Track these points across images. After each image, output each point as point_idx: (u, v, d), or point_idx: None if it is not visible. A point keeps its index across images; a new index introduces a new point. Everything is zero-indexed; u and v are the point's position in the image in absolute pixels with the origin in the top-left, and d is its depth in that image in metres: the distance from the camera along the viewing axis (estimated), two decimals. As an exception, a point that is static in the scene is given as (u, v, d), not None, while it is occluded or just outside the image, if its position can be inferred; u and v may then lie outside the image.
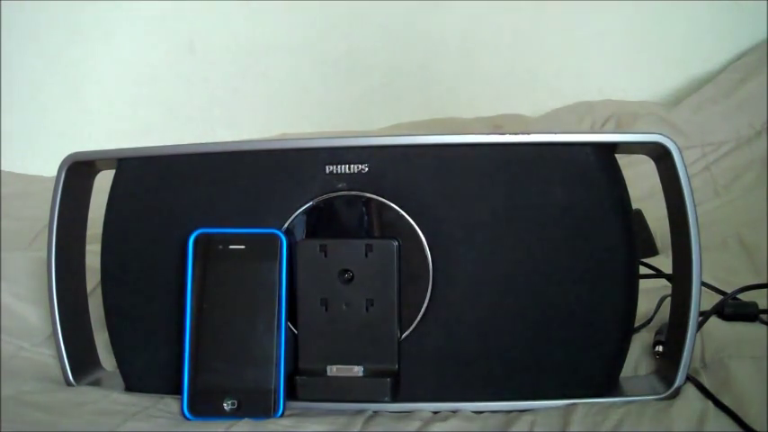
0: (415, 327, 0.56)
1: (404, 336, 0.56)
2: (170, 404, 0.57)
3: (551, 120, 1.11)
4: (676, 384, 0.54)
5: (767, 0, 1.13)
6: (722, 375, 0.55)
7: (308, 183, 0.57)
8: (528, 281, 0.55)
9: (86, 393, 0.59)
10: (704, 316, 0.63)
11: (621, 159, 0.57)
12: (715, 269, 0.74)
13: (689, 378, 0.55)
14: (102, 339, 0.63)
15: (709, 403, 0.52)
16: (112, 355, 0.61)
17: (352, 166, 0.57)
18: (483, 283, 0.55)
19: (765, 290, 0.70)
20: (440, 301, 0.56)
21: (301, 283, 0.56)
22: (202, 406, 0.55)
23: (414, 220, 0.56)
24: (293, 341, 0.57)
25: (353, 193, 0.56)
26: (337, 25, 1.20)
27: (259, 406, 0.55)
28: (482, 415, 0.55)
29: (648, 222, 0.88)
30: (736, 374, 0.55)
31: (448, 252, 0.56)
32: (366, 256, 0.56)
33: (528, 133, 0.56)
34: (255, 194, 0.58)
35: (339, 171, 0.57)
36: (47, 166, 0.77)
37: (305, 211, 0.57)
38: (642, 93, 1.18)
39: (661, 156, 0.56)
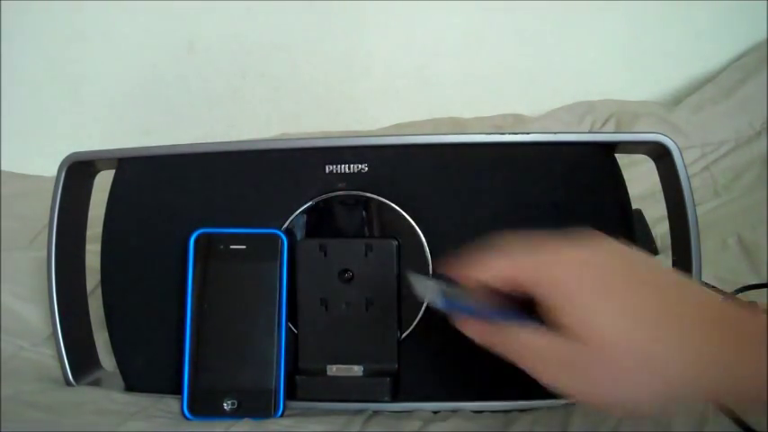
0: (415, 326, 0.56)
1: (404, 335, 0.56)
2: (170, 404, 0.57)
3: (551, 119, 1.10)
4: (676, 384, 0.54)
5: (767, 0, 1.13)
6: (722, 375, 0.55)
7: (308, 182, 0.57)
8: (528, 281, 0.55)
9: (86, 393, 0.59)
10: (704, 316, 0.63)
11: (622, 159, 0.57)
12: (715, 269, 0.74)
13: (689, 378, 0.55)
14: (102, 339, 0.63)
15: (709, 403, 0.52)
16: (112, 355, 0.61)
17: (351, 165, 0.57)
18: (483, 283, 0.55)
19: (765, 290, 0.70)
20: (440, 301, 0.56)
21: (301, 282, 0.56)
22: (202, 406, 0.55)
23: (414, 220, 0.56)
24: (293, 341, 0.57)
25: (353, 192, 0.56)
26: (337, 25, 1.20)
27: (259, 406, 0.55)
28: (482, 414, 0.55)
29: (648, 222, 0.88)
30: (737, 374, 0.55)
31: (448, 252, 0.56)
32: (366, 255, 0.56)
33: (528, 133, 0.56)
34: (255, 194, 0.58)
35: (339, 171, 0.57)
36: (47, 166, 0.77)
37: (305, 211, 0.57)
38: (642, 93, 1.18)
39: (661, 155, 0.56)
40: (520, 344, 0.40)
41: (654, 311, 0.37)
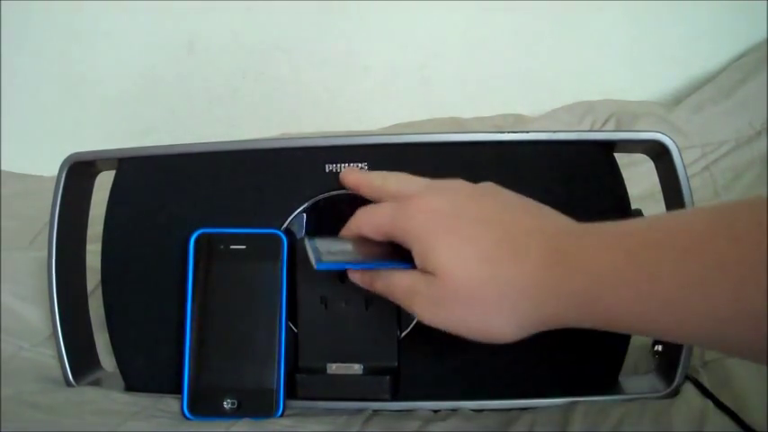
0: (415, 325, 0.56)
1: (403, 334, 0.56)
2: (170, 404, 0.57)
3: (551, 119, 1.10)
4: (675, 383, 0.54)
5: (767, 0, 1.13)
6: (722, 374, 0.55)
7: (308, 182, 0.57)
8: (528, 280, 0.55)
9: (86, 393, 0.59)
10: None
11: (621, 159, 0.57)
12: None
13: (688, 377, 0.55)
14: (102, 339, 0.63)
15: (710, 402, 0.52)
16: (112, 355, 0.61)
17: (351, 164, 0.57)
18: (483, 282, 0.55)
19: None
20: (439, 301, 0.56)
21: (301, 281, 0.57)
22: (202, 405, 0.55)
23: (413, 220, 0.56)
24: (293, 340, 0.57)
25: (353, 191, 0.56)
26: (337, 25, 1.20)
27: (259, 405, 0.55)
28: (482, 413, 0.55)
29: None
30: (736, 374, 0.55)
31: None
32: (366, 254, 0.56)
33: (527, 131, 0.56)
34: (255, 194, 0.58)
35: (339, 170, 0.57)
36: (47, 166, 0.77)
37: (304, 210, 0.57)
38: (642, 93, 1.18)
39: (659, 154, 0.56)
40: (394, 285, 0.46)
41: (490, 245, 0.42)
